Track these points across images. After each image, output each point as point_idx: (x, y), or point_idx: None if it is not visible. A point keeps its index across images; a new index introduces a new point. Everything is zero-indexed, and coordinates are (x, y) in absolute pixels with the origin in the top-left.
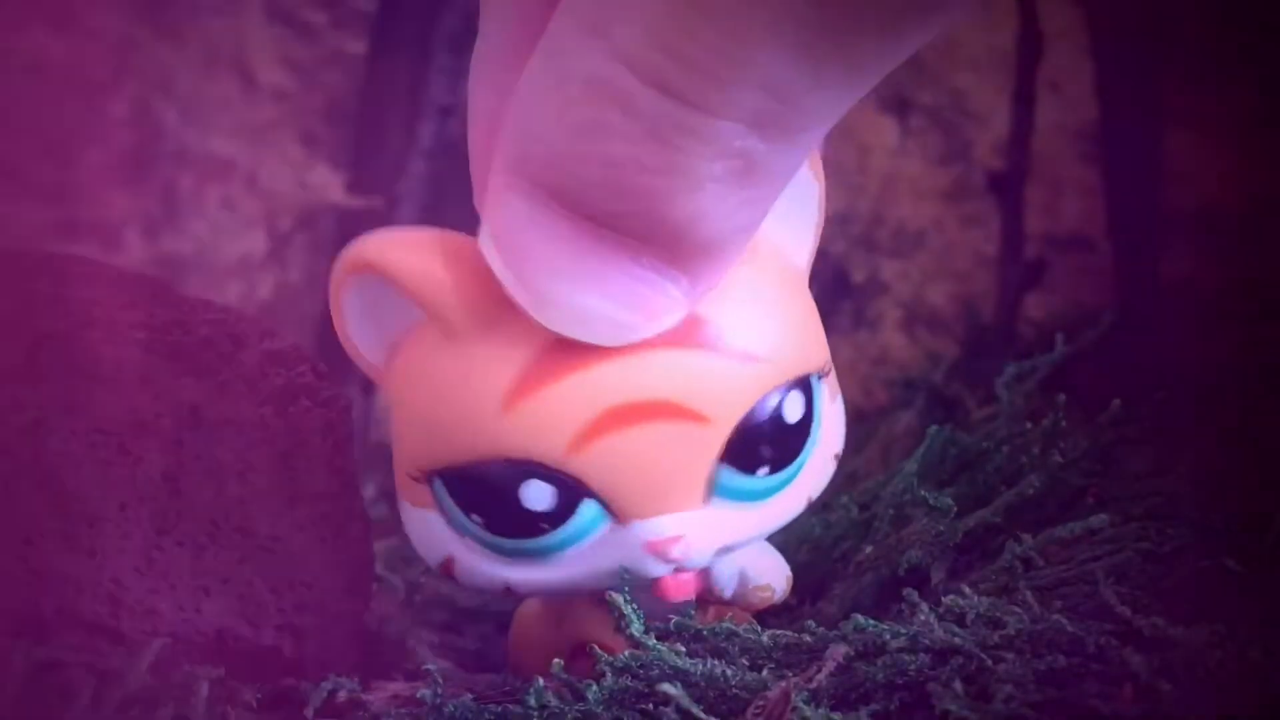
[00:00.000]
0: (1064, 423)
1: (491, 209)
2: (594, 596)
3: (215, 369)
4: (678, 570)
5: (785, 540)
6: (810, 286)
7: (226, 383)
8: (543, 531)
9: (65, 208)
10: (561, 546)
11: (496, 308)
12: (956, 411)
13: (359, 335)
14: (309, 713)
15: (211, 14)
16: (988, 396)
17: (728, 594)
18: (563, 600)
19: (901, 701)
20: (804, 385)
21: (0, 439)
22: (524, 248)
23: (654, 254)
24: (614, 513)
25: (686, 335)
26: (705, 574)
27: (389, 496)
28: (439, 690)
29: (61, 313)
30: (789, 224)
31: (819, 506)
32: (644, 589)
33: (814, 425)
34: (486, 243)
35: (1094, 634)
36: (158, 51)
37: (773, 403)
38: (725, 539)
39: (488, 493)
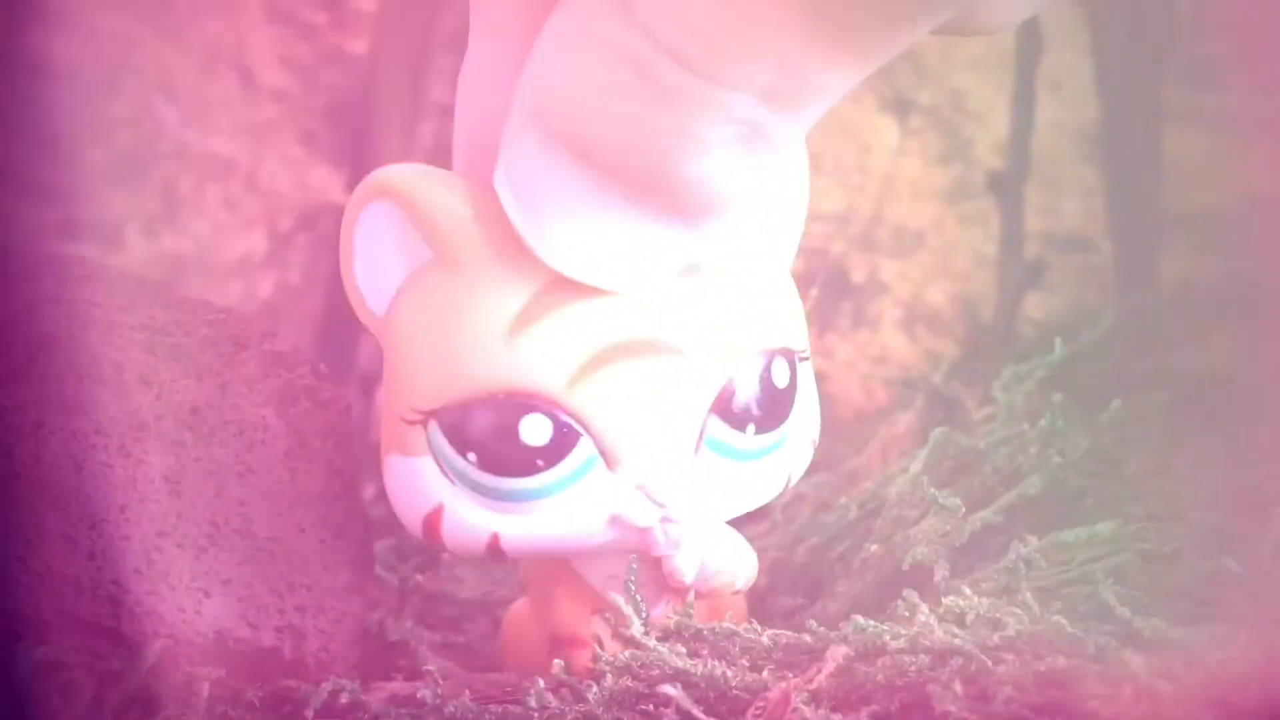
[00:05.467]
0: (1061, 423)
1: (507, 149)
2: (574, 589)
3: (215, 370)
4: (665, 520)
5: (784, 540)
6: (810, 286)
7: (227, 384)
8: (538, 469)
9: (65, 208)
10: (553, 490)
11: (507, 244)
12: (956, 412)
13: (364, 277)
14: (309, 713)
15: (211, 14)
16: (988, 396)
17: (688, 580)
18: (544, 596)
19: (901, 702)
20: (789, 359)
21: (0, 440)
22: (535, 189)
23: (660, 206)
24: (607, 456)
25: (701, 284)
26: (667, 560)
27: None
28: (439, 690)
29: (62, 313)
30: (776, 210)
31: (818, 507)
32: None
33: (798, 401)
34: (501, 181)
35: (1093, 635)
36: (158, 51)
37: (763, 362)
38: (710, 494)
39: (486, 428)
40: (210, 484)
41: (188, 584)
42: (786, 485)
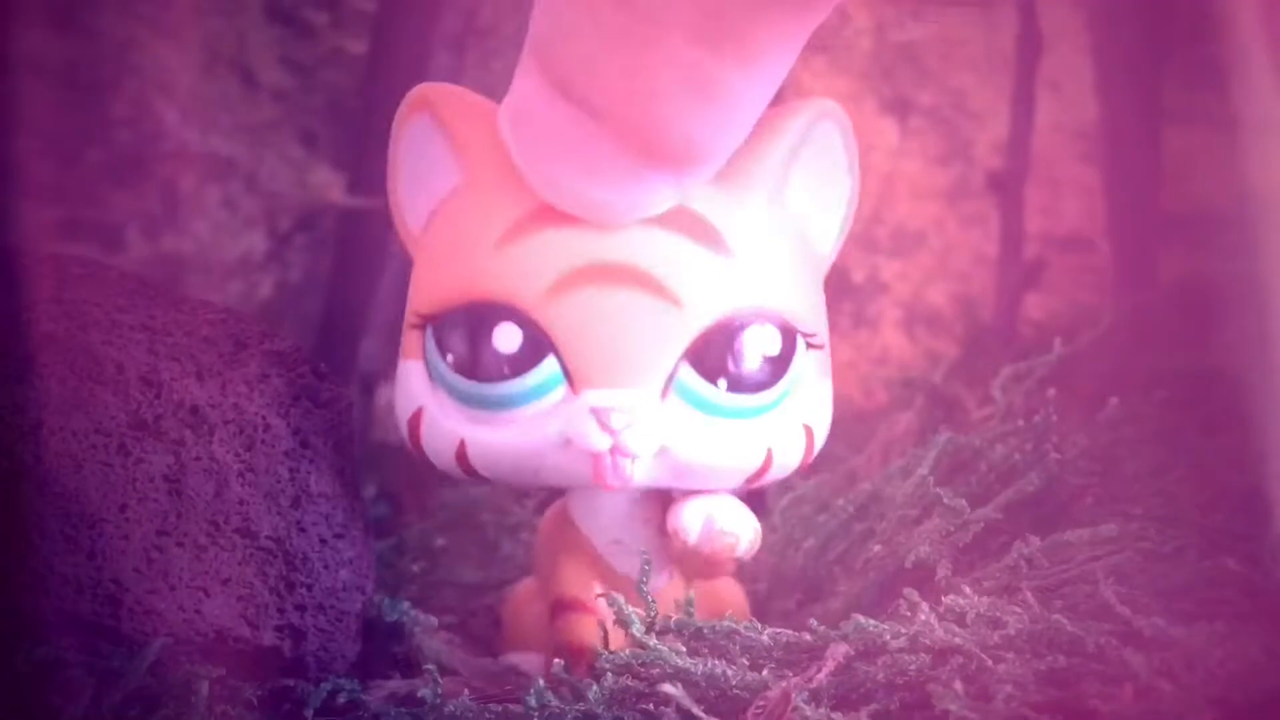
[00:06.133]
0: (1055, 417)
1: (513, 87)
2: (578, 555)
3: (216, 370)
4: (616, 452)
5: (782, 539)
6: None
7: (227, 384)
8: (504, 376)
9: (65, 208)
10: (517, 402)
11: (515, 167)
12: (956, 412)
13: (405, 193)
14: (308, 713)
15: (211, 14)
16: (987, 396)
17: (692, 539)
18: (549, 562)
19: (902, 701)
20: (785, 331)
21: (2, 440)
22: (529, 124)
23: (635, 146)
24: (571, 378)
25: (682, 222)
26: (674, 515)
27: (389, 496)
28: (439, 690)
29: (62, 313)
30: (816, 209)
31: (818, 507)
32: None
33: (789, 378)
34: (503, 115)
35: (1094, 634)
36: (158, 51)
37: (746, 319)
38: (671, 438)
39: (465, 332)
40: (210, 483)
41: (188, 583)
42: (769, 461)
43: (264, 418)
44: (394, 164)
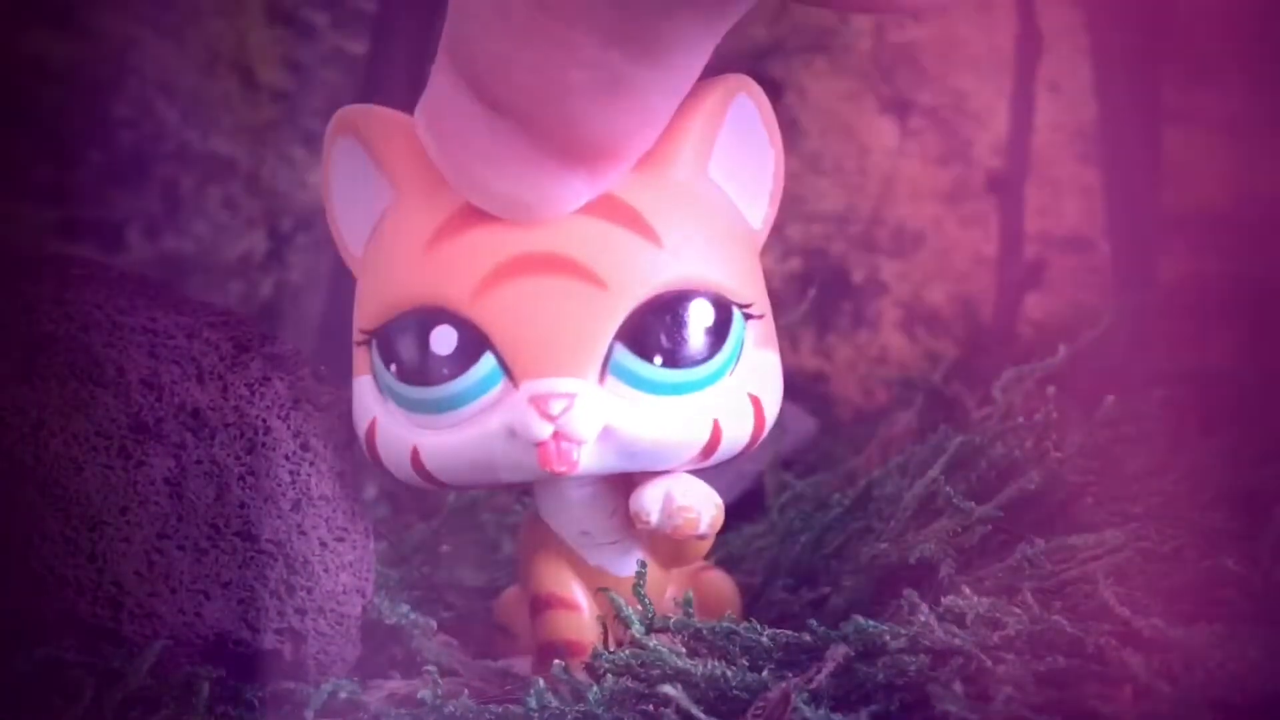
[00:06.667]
0: (1055, 415)
1: (428, 86)
2: (551, 551)
3: (217, 373)
4: (560, 438)
5: (780, 534)
6: (810, 286)
7: (228, 387)
8: (444, 378)
9: (65, 208)
10: (460, 401)
11: (437, 172)
12: (956, 411)
13: (343, 219)
14: (309, 715)
15: (211, 14)
16: (987, 396)
17: (654, 519)
18: (526, 561)
19: (901, 702)
20: (720, 305)
21: (1, 441)
22: (444, 124)
23: (549, 145)
24: (510, 371)
25: (603, 209)
26: (634, 500)
27: (389, 498)
28: (438, 691)
29: (62, 314)
30: (741, 183)
31: (817, 505)
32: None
33: (727, 349)
34: (419, 115)
35: (1093, 635)
36: (158, 51)
37: (674, 295)
38: (613, 419)
39: (403, 340)
40: (211, 486)
41: (188, 586)
42: (718, 434)
43: (265, 421)
44: (327, 190)
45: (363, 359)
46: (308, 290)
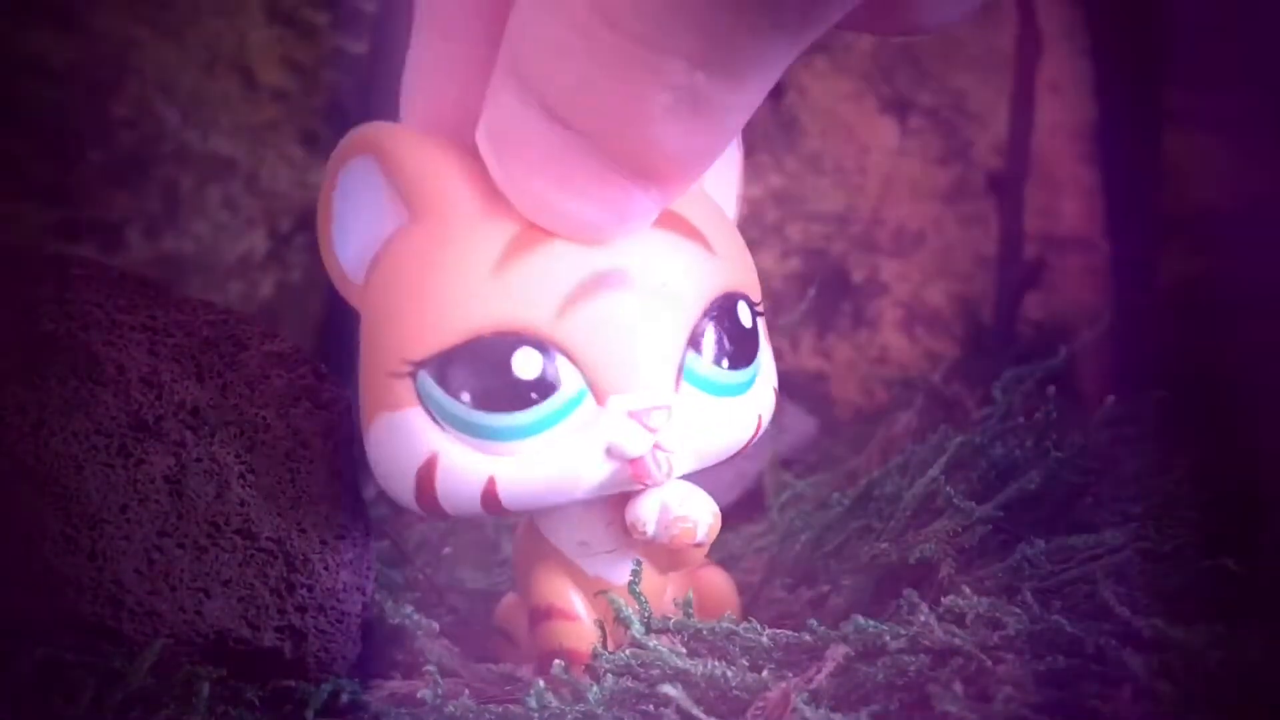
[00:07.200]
0: (1055, 414)
1: (489, 106)
2: (550, 562)
3: (216, 371)
4: (656, 449)
5: (781, 539)
6: (810, 286)
7: (228, 385)
8: (531, 402)
9: (65, 208)
10: (547, 423)
11: (485, 194)
12: (956, 411)
13: (341, 244)
14: (309, 714)
15: (212, 14)
16: (987, 396)
17: (650, 529)
18: (525, 574)
19: (901, 702)
20: (751, 305)
21: (2, 440)
22: (512, 144)
23: (624, 164)
24: (596, 388)
25: (669, 222)
26: (630, 511)
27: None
28: (439, 690)
29: (63, 314)
30: (719, 184)
31: (817, 505)
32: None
33: (760, 346)
34: (482, 134)
35: (1093, 635)
36: (158, 51)
37: (726, 300)
38: (697, 425)
39: (479, 367)
40: (211, 484)
41: (188, 584)
42: (759, 428)
43: (264, 419)
44: (327, 208)
45: (405, 392)
46: (308, 290)
